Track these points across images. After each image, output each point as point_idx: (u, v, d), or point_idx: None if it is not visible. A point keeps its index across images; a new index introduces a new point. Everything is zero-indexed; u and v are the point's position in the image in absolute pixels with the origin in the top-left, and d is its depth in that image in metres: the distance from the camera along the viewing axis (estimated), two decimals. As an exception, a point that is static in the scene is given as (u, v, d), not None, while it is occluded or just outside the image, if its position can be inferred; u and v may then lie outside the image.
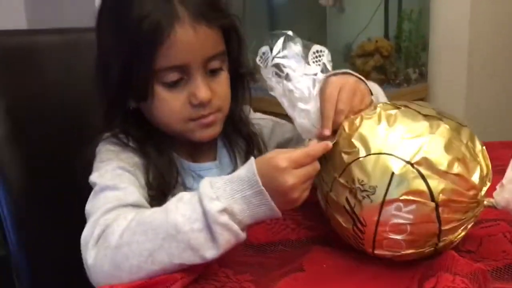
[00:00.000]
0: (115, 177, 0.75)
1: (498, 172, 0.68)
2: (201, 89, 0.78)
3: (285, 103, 0.75)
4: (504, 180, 0.65)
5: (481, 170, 0.66)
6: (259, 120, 0.96)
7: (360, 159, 0.66)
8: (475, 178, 0.65)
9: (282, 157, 0.65)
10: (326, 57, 0.77)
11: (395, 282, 0.66)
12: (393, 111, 0.69)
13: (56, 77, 1.03)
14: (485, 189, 0.67)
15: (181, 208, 0.64)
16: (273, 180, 0.64)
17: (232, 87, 0.86)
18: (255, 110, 1.00)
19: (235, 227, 0.63)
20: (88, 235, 0.67)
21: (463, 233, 0.67)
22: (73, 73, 1.03)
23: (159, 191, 0.80)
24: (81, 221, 0.71)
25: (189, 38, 0.76)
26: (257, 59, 0.77)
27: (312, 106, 0.73)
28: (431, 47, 2.06)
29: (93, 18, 0.82)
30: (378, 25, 2.04)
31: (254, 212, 0.64)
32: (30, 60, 1.02)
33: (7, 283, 0.98)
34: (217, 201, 0.63)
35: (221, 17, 0.80)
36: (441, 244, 0.66)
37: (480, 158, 0.67)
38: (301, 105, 0.72)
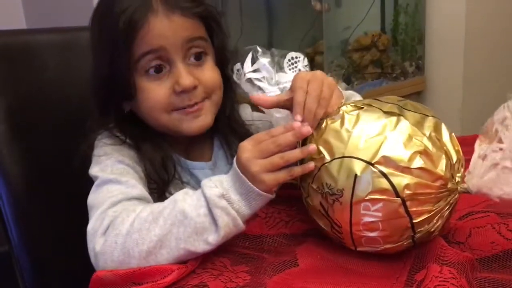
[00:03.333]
0: (116, 171, 0.78)
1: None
2: (183, 75, 0.80)
3: (266, 112, 0.78)
4: (470, 167, 0.66)
5: (449, 159, 0.66)
6: (257, 121, 0.96)
7: (326, 164, 0.68)
8: (441, 168, 0.65)
9: (247, 139, 0.71)
10: (301, 62, 0.79)
11: (386, 273, 0.67)
12: (355, 112, 0.70)
13: (55, 75, 1.05)
14: (459, 175, 0.67)
15: (187, 199, 0.70)
16: (238, 160, 0.70)
17: (224, 84, 0.87)
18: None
19: (233, 211, 0.68)
20: (96, 225, 0.71)
21: (440, 221, 0.67)
22: (71, 71, 1.06)
23: (156, 185, 0.83)
24: (82, 216, 0.75)
25: (163, 24, 0.79)
26: (234, 76, 0.80)
27: (283, 113, 0.76)
28: (427, 40, 2.04)
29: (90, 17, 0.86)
30: (375, 19, 2.03)
31: (247, 200, 0.69)
32: (29, 58, 1.03)
33: (9, 278, 0.99)
34: (216, 188, 0.69)
35: (195, 6, 0.83)
36: (418, 235, 0.67)
37: (448, 146, 0.67)
38: (275, 114, 0.75)
